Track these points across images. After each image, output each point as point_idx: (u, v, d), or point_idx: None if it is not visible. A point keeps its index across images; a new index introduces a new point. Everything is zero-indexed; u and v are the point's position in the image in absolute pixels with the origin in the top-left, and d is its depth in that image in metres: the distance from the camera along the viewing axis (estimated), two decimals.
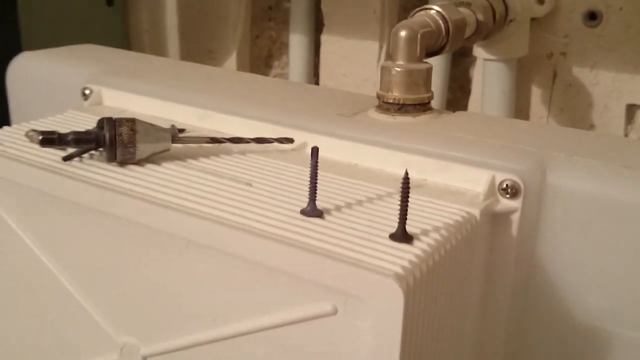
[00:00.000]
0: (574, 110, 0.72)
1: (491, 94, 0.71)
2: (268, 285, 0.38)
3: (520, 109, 0.73)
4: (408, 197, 0.37)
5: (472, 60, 0.80)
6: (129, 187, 0.43)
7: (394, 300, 0.33)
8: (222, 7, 0.94)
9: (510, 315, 0.46)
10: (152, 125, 0.46)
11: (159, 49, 0.96)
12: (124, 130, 0.44)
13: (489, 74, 0.70)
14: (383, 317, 0.34)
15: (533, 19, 0.69)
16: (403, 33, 0.52)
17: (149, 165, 0.46)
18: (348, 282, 0.35)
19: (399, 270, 0.34)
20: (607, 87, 0.69)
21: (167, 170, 0.45)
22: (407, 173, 0.37)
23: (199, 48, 0.97)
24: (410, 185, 0.37)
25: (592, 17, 0.69)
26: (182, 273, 0.41)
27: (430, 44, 0.54)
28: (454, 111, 0.54)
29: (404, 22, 0.52)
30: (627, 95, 0.68)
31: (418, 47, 0.52)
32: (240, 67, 0.95)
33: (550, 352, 0.46)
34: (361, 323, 0.35)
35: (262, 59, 0.98)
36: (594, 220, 0.43)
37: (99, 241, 0.44)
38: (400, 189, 0.37)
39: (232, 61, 0.95)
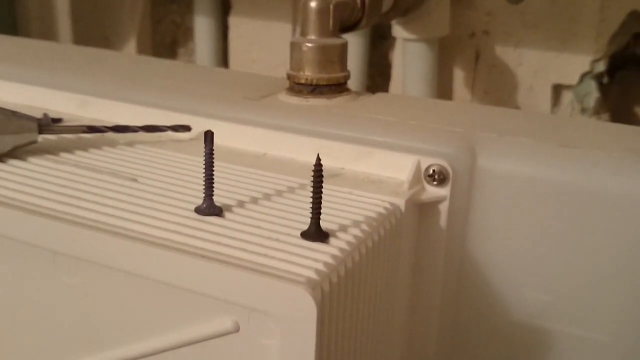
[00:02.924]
0: (499, 91, 0.68)
1: (412, 77, 0.66)
2: (156, 300, 0.31)
3: (442, 93, 0.69)
4: (321, 187, 0.31)
5: (391, 43, 0.75)
6: None
7: (306, 312, 0.27)
8: None
9: (441, 312, 0.41)
10: (13, 112, 0.38)
11: (49, 37, 0.87)
12: None
13: (409, 55, 0.65)
14: (293, 333, 0.28)
15: None
16: (314, 4, 0.46)
17: (11, 161, 0.38)
18: (250, 293, 0.28)
19: (312, 275, 0.28)
20: (532, 66, 0.66)
21: (34, 167, 0.38)
22: (318, 159, 0.31)
23: (93, 35, 0.88)
24: (323, 173, 0.32)
25: None
26: (51, 291, 0.34)
27: (345, 17, 0.48)
28: (373, 93, 0.49)
29: None
30: (552, 74, 0.65)
31: (331, 19, 0.46)
32: (141, 54, 0.87)
33: (486, 350, 0.41)
34: (268, 341, 0.29)
35: (165, 45, 0.90)
36: (532, 206, 0.38)
37: None
38: (312, 179, 0.31)
39: (131, 49, 0.86)
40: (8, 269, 0.34)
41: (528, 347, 0.40)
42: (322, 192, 0.31)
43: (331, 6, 0.46)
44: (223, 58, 0.84)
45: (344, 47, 0.46)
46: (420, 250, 0.40)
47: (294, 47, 0.46)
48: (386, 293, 0.36)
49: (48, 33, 0.87)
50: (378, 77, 0.77)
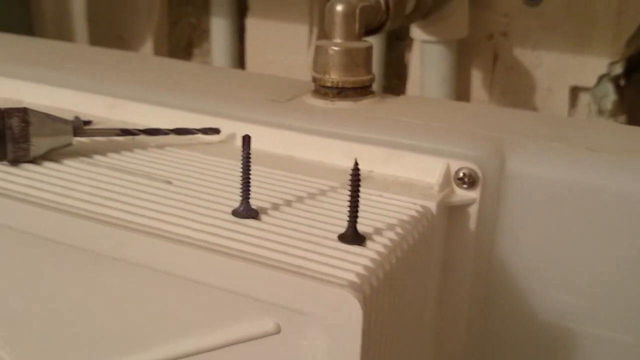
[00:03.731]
0: (516, 93, 0.68)
1: (431, 79, 0.66)
2: (197, 301, 0.32)
3: (460, 94, 0.69)
4: (359, 191, 0.32)
5: (408, 44, 0.76)
6: (22, 190, 0.36)
7: (351, 315, 0.27)
8: None
9: (469, 314, 0.42)
10: (48, 115, 0.38)
11: (65, 38, 0.87)
12: (14, 122, 0.37)
13: (428, 57, 0.66)
14: (338, 335, 0.28)
15: None
16: (340, 7, 0.46)
17: (47, 164, 0.39)
18: (292, 295, 0.29)
19: (353, 278, 0.29)
20: (550, 68, 0.66)
21: (69, 169, 0.38)
22: (356, 163, 0.32)
23: (109, 36, 0.88)
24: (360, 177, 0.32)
25: None
26: (92, 291, 0.34)
27: (370, 20, 0.48)
28: (391, 94, 0.49)
29: None
30: (570, 76, 0.66)
31: (357, 23, 0.46)
32: (157, 56, 0.87)
33: (513, 352, 0.42)
34: (309, 342, 0.30)
35: (181, 47, 0.90)
36: (559, 209, 0.38)
37: None
38: (350, 182, 0.32)
39: (147, 50, 0.87)
40: (49, 271, 0.35)
41: (555, 348, 0.41)
42: (359, 196, 0.32)
43: (357, 10, 0.46)
44: (239, 59, 0.84)
45: (369, 51, 0.47)
46: (449, 253, 0.40)
47: (320, 50, 0.47)
48: (417, 296, 0.37)
49: (64, 34, 0.87)
50: (394, 78, 0.78)
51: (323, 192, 0.38)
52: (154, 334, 0.33)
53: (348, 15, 0.46)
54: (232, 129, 0.45)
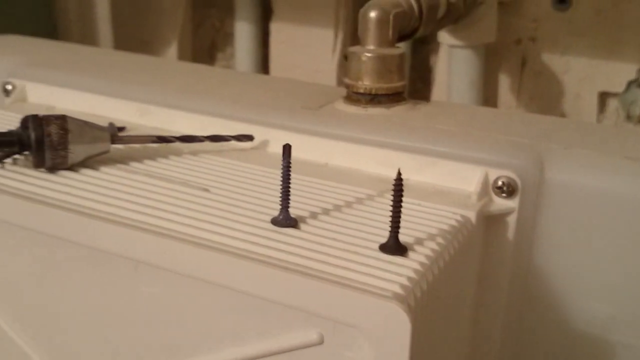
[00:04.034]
0: (544, 99, 0.68)
1: (458, 83, 0.66)
2: (238, 311, 0.32)
3: (487, 99, 0.69)
4: (401, 201, 0.32)
5: (433, 48, 0.75)
6: (61, 197, 0.36)
7: (399, 328, 0.27)
8: None
9: (505, 325, 0.41)
10: (86, 123, 0.38)
11: (89, 41, 0.88)
12: (53, 129, 0.37)
13: (455, 61, 0.65)
14: (385, 347, 0.28)
15: (500, 3, 0.65)
16: (373, 14, 0.46)
17: (85, 171, 0.39)
18: (337, 306, 0.29)
19: (397, 289, 0.29)
20: (579, 74, 0.65)
21: (107, 176, 0.38)
22: (399, 173, 0.32)
23: (133, 39, 0.88)
24: (395, 185, 0.32)
25: (562, 0, 0.65)
26: (132, 300, 0.34)
27: (403, 26, 0.48)
28: (427, 101, 0.49)
29: (373, 1, 0.47)
30: (599, 82, 0.65)
31: (391, 29, 0.46)
32: (182, 59, 0.87)
33: None
34: (352, 353, 0.29)
35: (204, 50, 0.90)
36: (598, 219, 0.38)
37: (28, 265, 0.37)
38: (392, 192, 0.31)
39: (171, 53, 0.87)
40: (89, 278, 0.35)
41: (592, 359, 0.40)
42: (402, 206, 0.32)
43: (391, 16, 0.46)
44: (262, 63, 0.84)
45: (402, 57, 0.47)
46: (486, 262, 0.40)
47: (353, 56, 0.47)
48: (455, 306, 0.37)
49: (88, 36, 0.88)
50: (419, 82, 0.78)
51: (360, 201, 0.38)
52: (196, 343, 0.33)
53: (382, 21, 0.46)
54: (265, 135, 0.45)
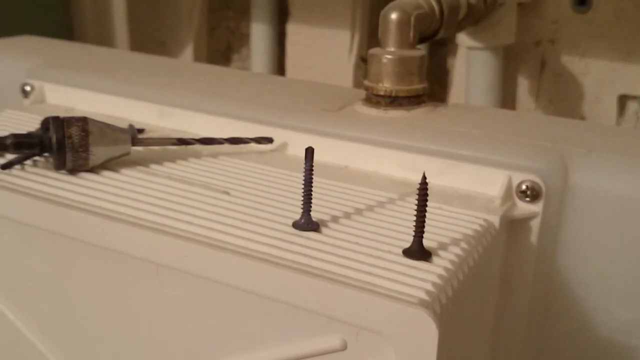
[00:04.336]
0: (564, 101, 0.67)
1: (476, 85, 0.65)
2: (260, 315, 0.31)
3: (506, 101, 0.68)
4: (426, 205, 0.31)
5: (450, 49, 0.75)
6: (82, 199, 0.36)
7: (425, 334, 0.27)
8: None
9: (527, 331, 0.41)
10: (107, 125, 0.38)
11: (105, 41, 0.88)
12: (74, 131, 0.37)
13: (474, 63, 0.65)
14: (411, 354, 0.27)
15: (520, 4, 0.64)
16: (394, 15, 0.45)
17: (106, 173, 0.39)
18: (362, 313, 0.28)
19: (423, 295, 0.28)
20: (598, 76, 0.65)
21: (128, 178, 0.38)
22: (424, 177, 0.31)
23: (149, 40, 0.88)
24: (419, 189, 0.31)
25: (582, 2, 0.64)
26: (152, 304, 0.34)
27: (424, 28, 0.48)
28: (447, 104, 0.49)
29: (394, 2, 0.46)
30: (619, 85, 0.64)
31: (412, 31, 0.46)
32: (197, 60, 0.87)
33: None
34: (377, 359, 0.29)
35: (220, 51, 0.90)
36: (622, 223, 0.38)
37: (48, 267, 0.37)
38: (417, 195, 0.31)
39: (187, 54, 0.87)
40: (109, 281, 0.35)
41: None
42: (426, 210, 0.31)
43: (412, 18, 0.46)
44: (278, 65, 0.84)
45: (423, 59, 0.46)
46: (509, 267, 0.39)
47: (373, 58, 0.46)
48: (479, 311, 0.36)
49: (104, 36, 0.88)
50: (435, 84, 0.77)
51: (381, 204, 0.37)
52: (218, 348, 0.33)
53: (403, 23, 0.45)
54: (284, 137, 0.44)
